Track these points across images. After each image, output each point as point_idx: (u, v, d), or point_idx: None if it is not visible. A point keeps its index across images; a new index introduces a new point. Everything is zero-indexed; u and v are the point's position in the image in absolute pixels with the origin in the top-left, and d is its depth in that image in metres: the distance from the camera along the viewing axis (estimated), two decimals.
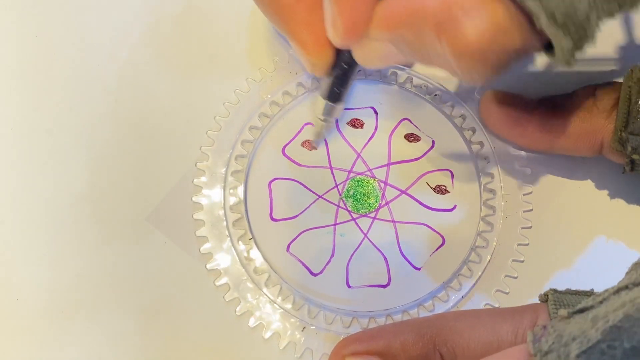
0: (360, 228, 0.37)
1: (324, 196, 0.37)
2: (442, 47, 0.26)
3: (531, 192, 0.37)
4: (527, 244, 0.36)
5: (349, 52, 0.31)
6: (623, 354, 0.20)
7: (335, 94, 0.33)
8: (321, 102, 0.34)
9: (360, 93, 0.39)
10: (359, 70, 0.35)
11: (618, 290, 0.23)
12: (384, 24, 0.28)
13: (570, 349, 0.21)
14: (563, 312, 0.23)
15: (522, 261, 0.36)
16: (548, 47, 0.26)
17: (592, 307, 0.23)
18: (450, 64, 0.27)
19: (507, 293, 0.36)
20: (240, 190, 0.37)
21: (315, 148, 0.37)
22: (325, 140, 0.38)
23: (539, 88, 0.38)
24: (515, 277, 0.36)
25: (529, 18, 0.25)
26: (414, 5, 0.26)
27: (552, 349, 0.22)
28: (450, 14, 0.25)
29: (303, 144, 0.38)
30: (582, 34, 0.25)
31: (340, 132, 0.38)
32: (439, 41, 0.26)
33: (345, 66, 0.31)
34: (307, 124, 0.38)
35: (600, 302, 0.23)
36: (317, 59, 0.30)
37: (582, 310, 0.23)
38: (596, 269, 0.36)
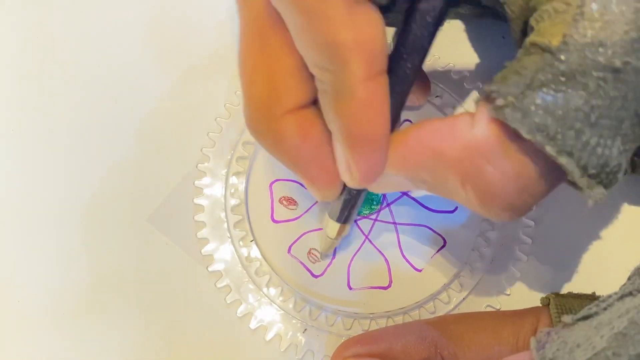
0: (361, 230, 0.37)
1: None
2: (467, 193, 0.25)
3: None
4: (529, 245, 0.36)
5: None
6: None
7: (346, 217, 0.33)
8: (331, 224, 0.34)
9: None
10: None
11: (622, 296, 0.23)
12: (400, 165, 0.27)
13: (575, 356, 0.21)
14: (567, 318, 0.24)
15: (524, 262, 0.36)
16: (574, 183, 0.25)
17: (596, 313, 0.23)
18: (474, 206, 0.26)
19: (509, 295, 0.36)
20: (242, 191, 0.37)
21: (319, 261, 0.37)
22: None
23: None
24: (517, 279, 0.36)
25: (556, 164, 0.23)
26: (434, 149, 0.25)
27: (557, 356, 0.22)
28: (474, 160, 0.24)
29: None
30: (613, 180, 0.24)
31: None
32: (462, 187, 0.25)
33: (354, 192, 0.31)
34: None
35: (605, 309, 0.23)
36: (327, 192, 0.29)
37: (586, 317, 0.23)
38: (598, 270, 0.36)
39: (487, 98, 0.24)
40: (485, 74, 0.38)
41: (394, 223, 0.37)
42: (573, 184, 0.24)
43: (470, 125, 0.24)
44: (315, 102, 0.27)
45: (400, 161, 0.26)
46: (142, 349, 0.36)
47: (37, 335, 0.36)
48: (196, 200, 0.37)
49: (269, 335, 0.35)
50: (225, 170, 0.37)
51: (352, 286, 0.36)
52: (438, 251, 0.37)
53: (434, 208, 0.37)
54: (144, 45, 0.40)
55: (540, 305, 0.31)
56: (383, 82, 0.25)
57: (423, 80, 0.32)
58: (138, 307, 0.36)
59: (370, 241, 0.37)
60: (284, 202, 0.37)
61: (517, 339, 0.29)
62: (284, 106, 0.26)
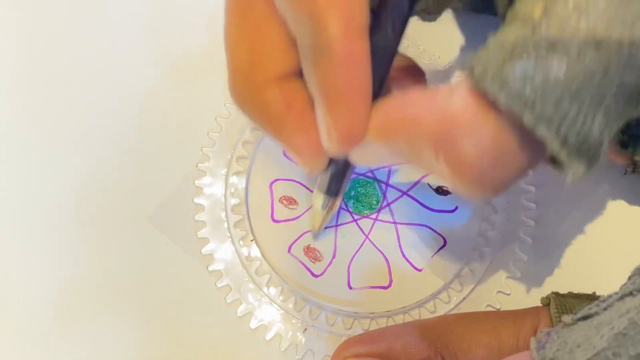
0: (361, 229, 0.37)
1: None
2: (439, 163, 0.25)
3: (532, 193, 0.37)
4: (529, 245, 0.36)
5: None
6: None
7: (334, 189, 0.33)
8: (320, 197, 0.33)
9: None
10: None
11: (622, 296, 0.23)
12: (379, 133, 0.26)
13: (575, 356, 0.21)
14: (567, 318, 0.23)
15: (524, 262, 0.36)
16: (554, 161, 0.24)
17: (596, 313, 0.23)
18: (447, 178, 0.25)
19: (509, 294, 0.36)
20: (242, 191, 0.37)
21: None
22: None
23: None
24: (517, 279, 0.36)
25: (535, 138, 0.23)
26: (411, 118, 0.25)
27: (557, 356, 0.22)
28: (448, 130, 0.24)
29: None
30: (594, 157, 0.23)
31: None
32: (435, 157, 0.25)
33: (341, 163, 0.31)
34: None
35: (605, 309, 0.23)
36: (312, 162, 0.29)
37: (586, 317, 0.23)
38: (598, 269, 0.36)
39: (469, 70, 0.23)
40: None
41: (394, 223, 0.37)
42: (553, 162, 0.24)
43: (450, 95, 0.24)
44: (301, 74, 0.27)
45: (379, 129, 0.26)
46: (142, 349, 0.36)
47: (37, 335, 0.36)
48: (196, 200, 0.37)
49: (269, 335, 0.35)
50: (226, 169, 0.37)
51: (352, 286, 0.36)
52: (438, 251, 0.37)
53: (434, 208, 0.37)
54: (144, 46, 0.40)
55: (541, 305, 0.31)
56: (362, 42, 0.24)
57: (417, 72, 0.32)
58: (138, 307, 0.36)
59: (370, 241, 0.37)
60: (284, 201, 0.37)
61: (518, 339, 0.29)
62: (268, 74, 0.26)
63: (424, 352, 0.30)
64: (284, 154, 0.38)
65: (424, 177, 0.38)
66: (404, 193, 0.37)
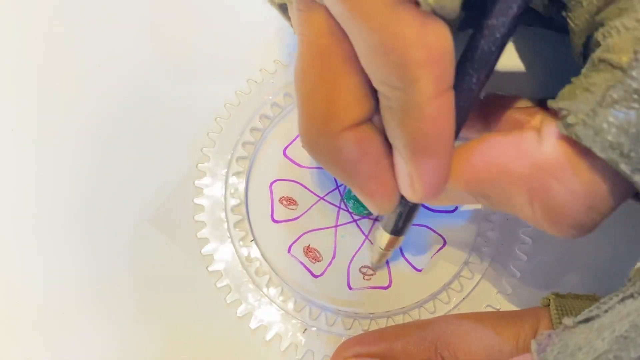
0: (361, 230, 0.37)
1: (325, 198, 0.37)
2: (534, 211, 0.25)
3: None
4: (529, 245, 0.36)
5: None
6: None
7: (399, 229, 0.32)
8: (385, 236, 0.33)
9: None
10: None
11: (623, 299, 0.23)
12: (464, 181, 0.26)
13: (576, 359, 0.21)
14: (568, 321, 0.23)
15: (524, 262, 0.36)
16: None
17: (597, 316, 0.23)
18: (540, 224, 0.26)
19: (509, 294, 0.36)
20: (242, 191, 0.37)
21: (373, 273, 0.37)
22: None
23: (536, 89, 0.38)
24: (517, 279, 0.36)
25: (624, 181, 0.23)
26: (499, 166, 0.25)
27: (558, 359, 0.22)
28: (541, 178, 0.24)
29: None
30: None
31: None
32: (529, 205, 0.25)
33: (410, 204, 0.30)
34: None
35: (605, 311, 0.23)
36: (385, 206, 0.29)
37: (587, 320, 0.23)
38: (598, 269, 0.36)
39: (554, 115, 0.23)
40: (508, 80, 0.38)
41: None
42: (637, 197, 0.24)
43: (538, 142, 0.24)
44: (371, 119, 0.27)
45: (464, 177, 0.26)
46: (142, 349, 0.36)
47: (36, 335, 0.36)
48: (196, 200, 0.37)
49: (269, 335, 0.35)
50: (226, 170, 0.37)
51: (352, 286, 0.36)
52: (438, 251, 0.37)
53: (433, 208, 0.37)
54: (144, 45, 0.39)
55: (541, 305, 0.31)
56: (450, 98, 0.24)
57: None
58: (138, 307, 0.36)
59: (370, 241, 0.37)
60: (284, 202, 0.37)
61: (518, 340, 0.29)
62: (343, 123, 0.26)
63: (424, 353, 0.30)
64: (284, 154, 0.38)
65: None
66: None
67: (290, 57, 0.38)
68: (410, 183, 0.26)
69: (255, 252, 0.36)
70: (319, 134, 0.27)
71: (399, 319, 0.36)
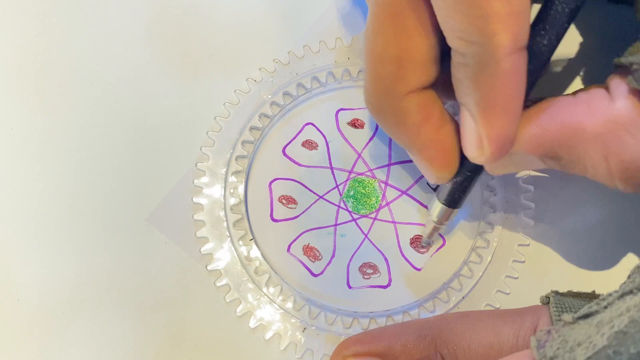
0: (360, 229, 0.37)
1: (324, 196, 0.37)
2: (609, 167, 0.25)
3: (531, 192, 0.37)
4: (528, 245, 0.36)
5: None
6: None
7: (455, 200, 0.32)
8: (438, 206, 0.33)
9: (361, 93, 0.39)
10: None
11: (622, 295, 0.23)
12: (535, 145, 0.27)
13: (575, 354, 0.21)
14: (567, 317, 0.23)
15: (523, 261, 0.36)
16: None
17: (596, 312, 0.23)
18: (613, 180, 0.26)
19: (508, 293, 0.36)
20: (241, 190, 0.37)
21: (423, 247, 0.37)
22: (326, 141, 0.38)
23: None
24: (516, 278, 0.36)
25: None
26: (572, 125, 0.25)
27: (557, 354, 0.22)
28: (617, 133, 0.24)
29: (303, 144, 0.38)
30: None
31: (340, 132, 0.38)
32: (605, 162, 0.25)
33: (468, 173, 0.30)
34: (307, 124, 0.38)
35: (605, 307, 0.23)
36: (443, 172, 0.29)
37: (586, 316, 0.23)
38: (597, 269, 0.36)
39: (623, 71, 0.23)
40: None
41: (394, 222, 0.37)
42: None
43: (609, 99, 0.24)
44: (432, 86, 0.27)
45: (535, 140, 0.26)
46: (141, 348, 0.36)
47: (36, 334, 0.36)
48: (195, 199, 0.37)
49: (269, 334, 0.35)
50: (225, 169, 0.37)
51: (351, 285, 0.36)
52: (437, 250, 0.37)
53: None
54: (144, 45, 0.39)
55: (540, 303, 0.31)
56: (524, 57, 0.25)
57: None
58: (137, 306, 0.36)
59: (369, 240, 0.37)
60: (283, 201, 0.37)
61: (517, 338, 0.29)
62: (410, 85, 0.26)
63: (424, 351, 0.30)
64: (283, 153, 0.38)
65: (423, 176, 0.38)
66: (403, 192, 0.37)
67: (290, 56, 0.38)
68: (477, 142, 0.26)
69: (254, 251, 0.36)
70: (385, 96, 0.27)
71: (399, 318, 0.35)
